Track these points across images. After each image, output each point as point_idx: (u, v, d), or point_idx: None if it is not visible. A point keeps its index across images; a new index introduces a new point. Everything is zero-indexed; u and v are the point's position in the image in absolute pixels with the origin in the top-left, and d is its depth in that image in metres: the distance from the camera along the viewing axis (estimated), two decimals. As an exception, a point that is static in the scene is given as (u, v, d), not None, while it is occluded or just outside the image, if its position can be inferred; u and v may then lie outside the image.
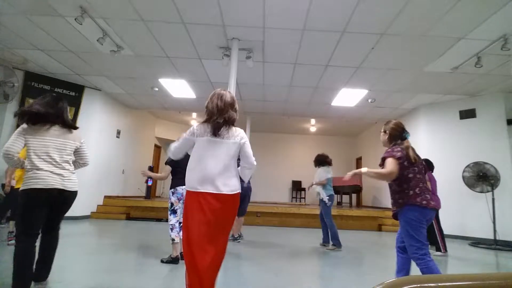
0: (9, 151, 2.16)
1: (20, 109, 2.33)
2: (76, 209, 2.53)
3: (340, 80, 6.15)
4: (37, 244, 2.31)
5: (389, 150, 2.39)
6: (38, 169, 2.21)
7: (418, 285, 0.62)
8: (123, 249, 4.08)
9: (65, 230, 2.46)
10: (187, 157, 2.21)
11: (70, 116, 2.47)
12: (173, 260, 3.33)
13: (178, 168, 3.42)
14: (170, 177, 3.60)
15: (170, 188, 3.49)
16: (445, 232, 6.34)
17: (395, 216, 2.39)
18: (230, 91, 2.35)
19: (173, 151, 2.15)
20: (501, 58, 4.82)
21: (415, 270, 2.30)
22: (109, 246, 4.25)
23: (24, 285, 2.15)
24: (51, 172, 2.24)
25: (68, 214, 2.49)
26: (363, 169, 2.38)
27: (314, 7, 3.85)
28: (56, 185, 2.24)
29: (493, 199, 5.59)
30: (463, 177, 5.88)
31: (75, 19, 4.12)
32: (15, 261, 2.13)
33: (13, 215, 4.17)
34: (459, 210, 6.36)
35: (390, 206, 2.50)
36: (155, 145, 11.25)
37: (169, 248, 3.76)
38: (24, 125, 2.25)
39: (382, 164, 2.39)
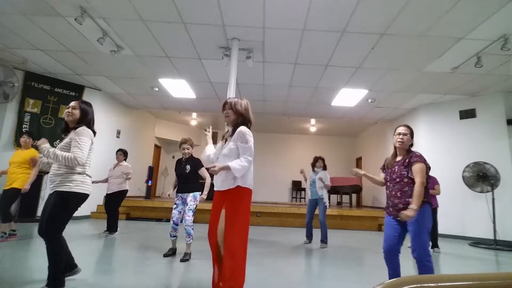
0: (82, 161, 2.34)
1: (90, 115, 2.53)
2: (76, 209, 2.49)
3: (340, 80, 6.14)
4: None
5: (419, 154, 2.40)
6: (88, 175, 2.44)
7: (418, 285, 0.62)
8: (124, 247, 4.09)
9: (65, 230, 2.44)
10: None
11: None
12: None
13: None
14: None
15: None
16: (445, 232, 6.39)
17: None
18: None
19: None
20: (501, 58, 4.82)
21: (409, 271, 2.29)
22: (110, 245, 4.25)
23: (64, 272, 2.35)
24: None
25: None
26: (412, 207, 2.18)
27: (314, 7, 3.85)
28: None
29: (493, 199, 5.58)
30: (463, 177, 5.88)
31: (75, 19, 4.11)
32: (60, 254, 2.28)
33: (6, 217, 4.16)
34: (459, 210, 6.36)
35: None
36: (155, 145, 11.24)
37: (169, 245, 3.81)
38: (91, 132, 2.45)
39: (407, 166, 2.37)
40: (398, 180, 2.38)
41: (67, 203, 2.31)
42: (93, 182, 2.63)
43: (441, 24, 4.03)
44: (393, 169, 2.45)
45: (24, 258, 3.32)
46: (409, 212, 2.16)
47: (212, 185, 3.07)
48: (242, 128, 2.18)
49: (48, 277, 2.23)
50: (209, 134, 2.62)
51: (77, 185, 2.33)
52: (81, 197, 2.39)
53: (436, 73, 5.55)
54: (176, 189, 3.78)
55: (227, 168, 2.08)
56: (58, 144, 2.49)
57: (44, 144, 2.29)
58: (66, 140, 2.39)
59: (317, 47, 4.86)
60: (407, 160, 2.39)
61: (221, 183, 2.20)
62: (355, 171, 2.51)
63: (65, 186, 2.28)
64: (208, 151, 2.47)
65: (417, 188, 2.23)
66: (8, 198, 4.14)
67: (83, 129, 2.40)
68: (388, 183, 2.47)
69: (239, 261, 2.09)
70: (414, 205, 2.18)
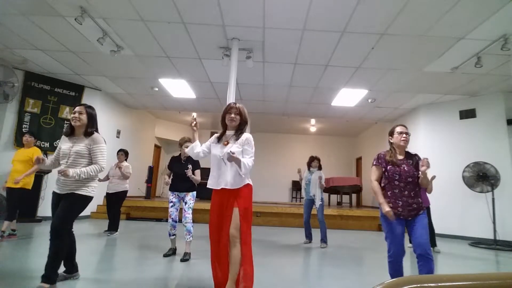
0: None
1: (96, 119, 2.62)
2: (76, 209, 2.55)
3: (340, 80, 6.14)
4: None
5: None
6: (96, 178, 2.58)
7: (418, 285, 0.62)
8: (124, 247, 4.08)
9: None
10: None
11: (70, 116, 2.57)
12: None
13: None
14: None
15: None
16: (446, 232, 6.40)
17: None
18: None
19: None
20: (501, 58, 4.82)
21: (408, 271, 2.29)
22: (111, 245, 4.25)
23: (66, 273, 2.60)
24: None
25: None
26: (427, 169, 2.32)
27: (314, 7, 3.85)
28: None
29: (493, 199, 5.58)
30: (463, 177, 5.88)
31: (75, 19, 4.12)
32: (62, 252, 2.39)
33: (10, 215, 4.17)
34: (459, 210, 6.36)
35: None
36: (155, 145, 11.24)
37: (169, 245, 3.80)
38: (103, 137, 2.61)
39: (415, 166, 2.42)
40: (410, 180, 2.37)
41: (81, 205, 2.49)
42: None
43: (441, 24, 4.03)
44: (402, 168, 2.40)
45: (24, 258, 3.32)
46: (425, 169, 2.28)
47: (204, 184, 3.06)
48: (249, 135, 2.40)
49: (49, 272, 2.31)
50: (196, 130, 2.56)
51: (92, 190, 2.53)
52: (91, 199, 2.57)
53: (436, 73, 5.55)
54: (170, 185, 3.80)
55: (238, 161, 2.21)
56: (60, 144, 2.53)
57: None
58: (82, 145, 2.50)
59: (317, 47, 4.86)
60: (419, 161, 2.42)
61: (233, 182, 2.28)
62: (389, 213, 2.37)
63: (82, 190, 2.46)
64: (197, 149, 2.48)
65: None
66: (16, 197, 4.18)
67: (99, 136, 2.57)
68: (397, 182, 2.38)
69: (251, 256, 2.26)
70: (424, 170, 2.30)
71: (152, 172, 9.01)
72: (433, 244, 4.80)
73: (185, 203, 3.67)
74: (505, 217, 5.76)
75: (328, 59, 5.24)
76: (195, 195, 3.77)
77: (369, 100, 7.21)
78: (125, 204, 7.59)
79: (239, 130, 2.42)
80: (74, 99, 6.91)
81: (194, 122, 2.50)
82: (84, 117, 2.52)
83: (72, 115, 2.53)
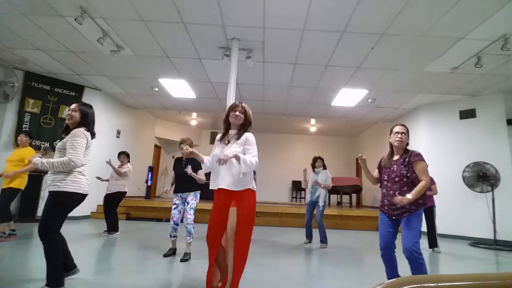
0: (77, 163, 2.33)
1: (90, 117, 2.52)
2: (76, 209, 2.50)
3: (340, 80, 6.14)
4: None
5: (419, 153, 2.41)
6: (81, 173, 2.40)
7: (418, 285, 0.62)
8: (124, 247, 4.09)
9: (65, 230, 2.46)
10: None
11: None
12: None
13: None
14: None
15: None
16: (446, 232, 6.40)
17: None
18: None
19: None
20: (501, 58, 4.82)
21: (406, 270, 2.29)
22: (110, 245, 4.25)
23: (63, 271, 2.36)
24: (86, 178, 2.48)
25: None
26: (409, 196, 2.20)
27: (314, 7, 3.85)
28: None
29: (493, 199, 5.58)
30: (463, 177, 5.88)
31: (75, 19, 4.12)
32: (55, 253, 2.29)
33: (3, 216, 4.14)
34: (459, 210, 6.36)
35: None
36: (155, 145, 11.24)
37: (169, 245, 3.80)
38: (86, 132, 2.44)
39: (406, 165, 2.37)
40: (397, 179, 2.38)
41: (57, 203, 2.32)
42: (97, 177, 2.67)
43: (441, 24, 4.03)
44: (392, 168, 2.44)
45: (24, 258, 3.32)
46: (405, 200, 2.20)
47: (207, 184, 3.01)
48: (250, 135, 2.34)
49: (47, 276, 2.25)
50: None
51: (67, 184, 2.31)
52: (74, 197, 2.36)
53: (436, 73, 5.55)
54: (174, 188, 3.78)
55: (238, 158, 2.14)
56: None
57: (34, 159, 2.36)
58: (63, 141, 2.42)
59: (317, 47, 4.85)
60: (407, 159, 2.40)
61: (233, 183, 2.19)
62: (362, 158, 2.52)
63: (54, 186, 2.31)
64: (209, 163, 2.39)
65: (423, 184, 2.27)
66: (6, 197, 4.14)
67: (78, 130, 2.41)
68: (386, 182, 2.46)
69: (244, 263, 2.20)
70: (411, 195, 2.21)
71: (152, 172, 9.01)
72: (434, 245, 4.80)
73: (187, 203, 3.63)
74: (505, 217, 5.76)
75: (328, 59, 5.24)
76: (198, 195, 3.69)
77: (369, 100, 7.21)
78: (125, 204, 7.60)
79: (241, 130, 2.36)
80: (74, 99, 6.90)
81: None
82: (77, 114, 2.46)
83: (66, 113, 2.51)
